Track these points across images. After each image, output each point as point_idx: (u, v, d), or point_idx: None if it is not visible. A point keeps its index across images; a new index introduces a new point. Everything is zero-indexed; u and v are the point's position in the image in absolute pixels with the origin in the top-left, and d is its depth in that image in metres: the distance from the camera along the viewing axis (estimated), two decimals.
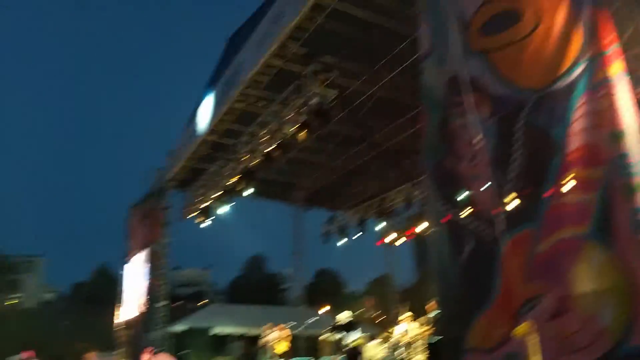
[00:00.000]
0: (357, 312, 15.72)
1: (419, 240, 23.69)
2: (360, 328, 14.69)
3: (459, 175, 7.46)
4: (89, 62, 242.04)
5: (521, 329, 5.65)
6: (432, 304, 12.54)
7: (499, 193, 6.56)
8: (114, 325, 25.94)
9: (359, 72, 13.36)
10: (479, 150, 6.96)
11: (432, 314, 12.72)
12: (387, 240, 23.08)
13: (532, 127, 6.42)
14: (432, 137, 8.15)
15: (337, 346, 14.78)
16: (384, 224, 22.25)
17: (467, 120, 7.19)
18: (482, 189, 6.90)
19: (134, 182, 23.53)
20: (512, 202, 6.41)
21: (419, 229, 20.37)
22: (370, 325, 19.97)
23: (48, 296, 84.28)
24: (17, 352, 35.76)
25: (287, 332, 17.34)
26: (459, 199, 7.32)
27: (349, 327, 14.32)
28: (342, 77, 13.14)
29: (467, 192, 7.24)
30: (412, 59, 10.40)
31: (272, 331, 17.36)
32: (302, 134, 13.39)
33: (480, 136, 6.95)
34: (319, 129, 13.55)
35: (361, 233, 22.02)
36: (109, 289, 55.69)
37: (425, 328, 13.17)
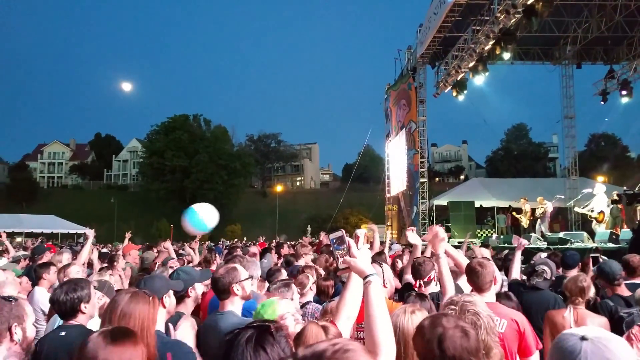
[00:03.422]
0: None
1: None
2: None
3: None
4: None
5: None
6: None
7: None
8: (383, 200, 28.40)
9: None
10: None
11: None
12: None
13: None
14: None
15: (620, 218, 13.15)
16: None
17: None
18: None
19: (389, 63, 23.91)
20: None
21: None
22: None
23: (324, 177, 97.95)
24: (306, 225, 42.87)
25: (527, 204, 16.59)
26: None
27: (636, 197, 12.35)
28: None
29: None
30: None
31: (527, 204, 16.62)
32: None
33: None
34: None
35: None
36: (374, 168, 61.30)
37: None
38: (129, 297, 2.24)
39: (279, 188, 64.14)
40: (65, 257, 5.44)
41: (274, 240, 24.33)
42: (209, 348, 2.72)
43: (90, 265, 6.21)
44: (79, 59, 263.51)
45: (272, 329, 1.55)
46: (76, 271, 4.26)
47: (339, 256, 1.97)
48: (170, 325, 2.77)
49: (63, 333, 2.66)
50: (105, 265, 5.96)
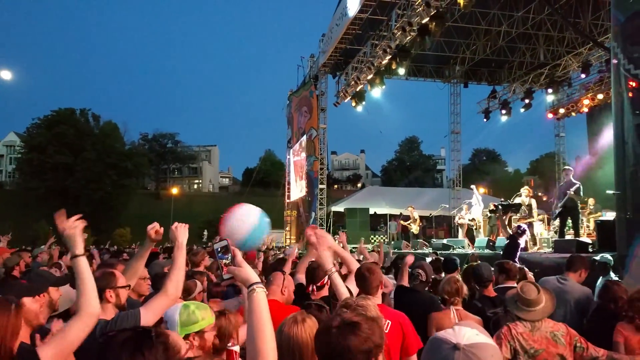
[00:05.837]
0: (518, 192, 14.91)
1: (595, 112, 21.16)
2: (522, 209, 13.99)
3: None
4: None
5: None
6: None
7: None
8: (282, 205, 28.50)
9: None
10: None
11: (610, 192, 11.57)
12: (558, 112, 21.01)
13: None
14: None
15: (496, 227, 14.42)
16: (553, 95, 20.20)
17: None
18: None
19: (292, 70, 24.21)
20: None
21: (596, 98, 18.44)
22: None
23: (224, 181, 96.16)
24: (202, 230, 41.42)
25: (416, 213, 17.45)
26: None
27: (510, 207, 13.66)
28: None
29: None
30: None
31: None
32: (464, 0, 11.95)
33: None
34: None
35: (526, 107, 20.26)
36: (275, 173, 61.34)
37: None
38: None
39: (174, 190, 61.64)
40: None
41: (166, 244, 23.30)
42: (83, 354, 2.48)
43: None
44: None
45: (151, 333, 1.43)
46: None
47: (223, 266, 1.95)
48: (37, 335, 2.47)
49: None
50: None
